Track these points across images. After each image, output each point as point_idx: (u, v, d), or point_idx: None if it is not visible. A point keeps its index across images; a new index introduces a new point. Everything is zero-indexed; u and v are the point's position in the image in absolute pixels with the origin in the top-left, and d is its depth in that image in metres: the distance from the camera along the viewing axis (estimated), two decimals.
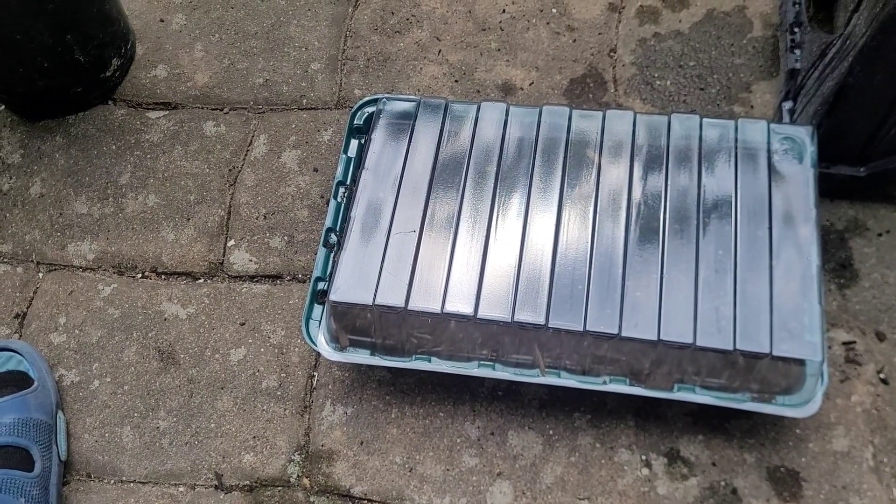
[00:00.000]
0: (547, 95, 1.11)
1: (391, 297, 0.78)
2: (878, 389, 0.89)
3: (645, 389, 0.82)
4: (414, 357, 0.85)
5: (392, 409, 0.93)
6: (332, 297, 0.79)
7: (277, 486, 0.91)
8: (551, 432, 0.91)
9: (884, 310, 0.93)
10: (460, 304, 0.78)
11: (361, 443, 0.92)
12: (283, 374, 0.96)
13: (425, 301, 0.78)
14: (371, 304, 0.79)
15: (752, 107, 1.07)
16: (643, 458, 0.89)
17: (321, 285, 0.90)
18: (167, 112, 1.17)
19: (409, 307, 0.78)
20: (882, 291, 0.94)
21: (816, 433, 0.88)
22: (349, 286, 0.80)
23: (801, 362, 0.77)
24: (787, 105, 0.99)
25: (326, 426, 0.93)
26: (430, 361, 0.84)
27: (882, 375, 0.90)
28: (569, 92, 1.11)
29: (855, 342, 0.92)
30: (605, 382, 0.82)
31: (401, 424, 0.92)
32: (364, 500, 0.89)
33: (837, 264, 0.96)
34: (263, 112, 1.15)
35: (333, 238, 0.92)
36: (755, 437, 0.88)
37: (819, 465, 0.86)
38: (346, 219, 0.92)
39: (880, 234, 0.97)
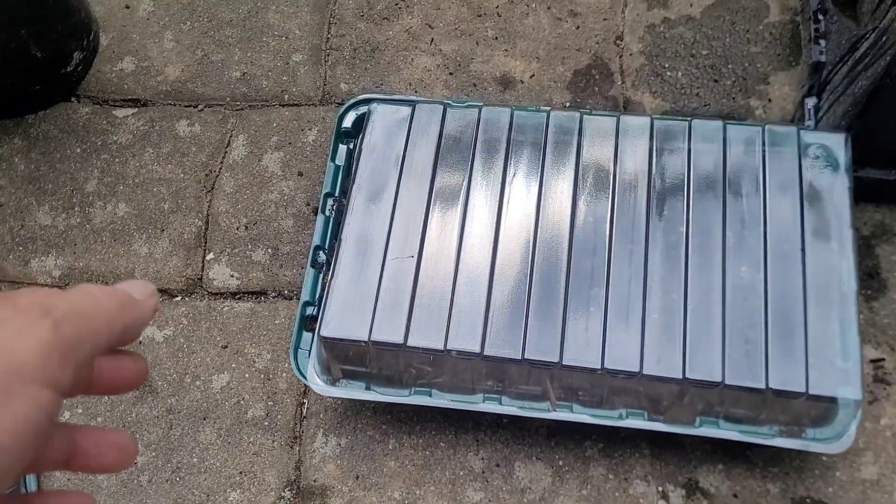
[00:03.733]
0: (549, 90, 1.02)
1: (388, 332, 0.71)
2: None
3: (665, 425, 0.75)
4: (413, 391, 0.78)
5: (389, 440, 0.86)
6: (324, 332, 0.72)
7: None
8: (561, 463, 0.84)
9: None
10: (465, 340, 0.71)
11: (357, 477, 0.85)
12: (271, 403, 0.89)
13: (426, 337, 0.71)
14: (366, 340, 0.71)
15: (769, 100, 1.00)
16: (660, 489, 0.83)
17: (310, 310, 0.82)
18: (136, 110, 1.07)
19: (409, 343, 0.71)
20: None
21: (844, 461, 0.82)
22: (341, 320, 0.72)
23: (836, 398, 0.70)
24: (811, 102, 0.92)
25: (318, 459, 0.86)
26: (430, 395, 0.78)
27: None
28: (572, 85, 1.03)
29: (884, 359, 0.86)
30: (621, 417, 0.76)
31: (399, 456, 0.86)
32: None
33: (864, 273, 0.89)
34: (241, 109, 1.06)
35: (322, 257, 0.84)
36: (779, 466, 0.83)
37: (847, 495, 0.81)
38: (335, 237, 0.85)
39: None
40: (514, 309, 0.71)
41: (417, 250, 0.74)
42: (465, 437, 0.86)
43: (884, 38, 0.78)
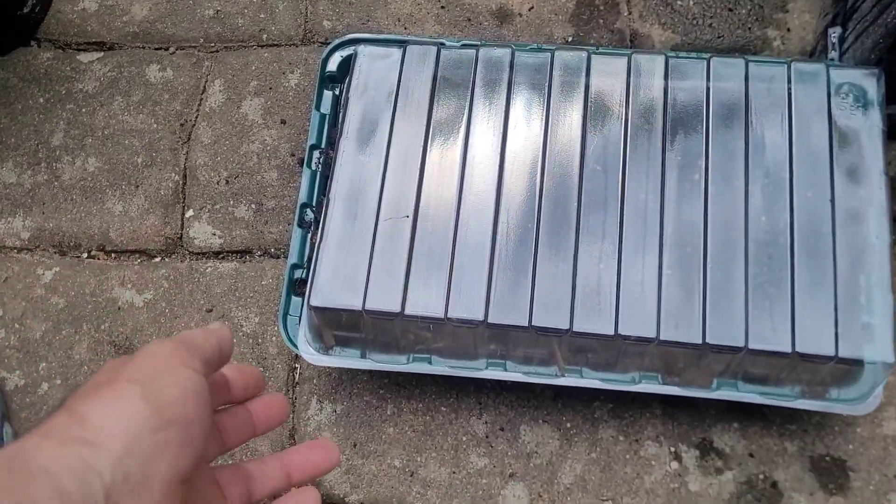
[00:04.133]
0: (550, 23, 0.94)
1: (383, 301, 0.65)
2: None
3: (681, 388, 0.71)
4: (412, 357, 0.73)
5: (387, 405, 0.82)
6: (314, 301, 0.66)
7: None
8: (568, 425, 0.80)
9: None
10: (467, 307, 0.65)
11: (354, 445, 0.81)
12: (261, 369, 0.84)
13: (425, 305, 0.65)
14: (360, 309, 0.66)
15: (788, 30, 0.92)
16: (672, 450, 0.79)
17: (298, 273, 0.76)
18: (101, 54, 0.99)
19: (406, 312, 0.65)
20: None
21: (865, 417, 0.78)
22: (332, 288, 0.66)
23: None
24: (835, 32, 0.84)
25: (313, 427, 0.82)
26: (430, 362, 0.73)
27: None
28: (575, 17, 0.95)
29: None
30: (634, 381, 0.71)
31: (398, 422, 0.81)
32: None
33: (890, 217, 0.84)
34: (217, 51, 0.97)
35: (310, 215, 0.78)
36: (797, 424, 0.79)
37: (868, 452, 0.77)
38: (323, 193, 0.78)
39: None
40: (520, 270, 0.66)
41: (413, 208, 0.68)
42: (468, 400, 0.81)
43: None
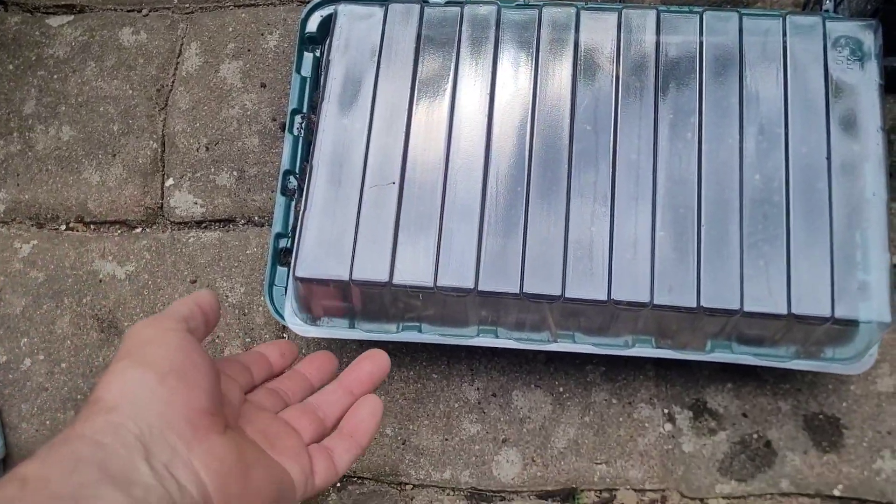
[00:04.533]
0: None
1: (371, 270, 0.64)
2: None
3: (675, 352, 0.70)
4: (401, 326, 0.71)
5: None
6: (299, 272, 0.64)
7: None
8: (561, 389, 0.80)
9: None
10: (457, 275, 0.64)
11: None
12: (248, 339, 0.83)
13: (413, 274, 0.64)
14: (347, 279, 0.64)
15: None
16: (665, 412, 0.79)
17: (283, 243, 0.74)
18: (72, 17, 0.95)
19: (395, 281, 0.64)
20: None
21: (859, 374, 0.78)
22: (317, 258, 0.65)
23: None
24: None
25: None
26: (420, 331, 0.71)
27: None
28: None
29: None
30: (627, 345, 0.70)
31: (389, 390, 0.80)
32: (354, 478, 0.79)
33: (887, 172, 0.82)
34: (192, 12, 0.94)
35: (293, 183, 0.76)
36: (790, 383, 0.78)
37: (862, 409, 0.77)
38: (306, 160, 0.76)
39: None
40: (509, 234, 0.64)
41: (399, 173, 0.66)
42: (459, 366, 0.81)
43: None
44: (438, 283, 0.63)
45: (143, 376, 0.39)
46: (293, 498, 0.47)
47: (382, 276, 0.64)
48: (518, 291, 0.63)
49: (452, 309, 0.70)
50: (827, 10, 0.81)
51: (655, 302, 0.62)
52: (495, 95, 0.69)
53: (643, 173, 0.66)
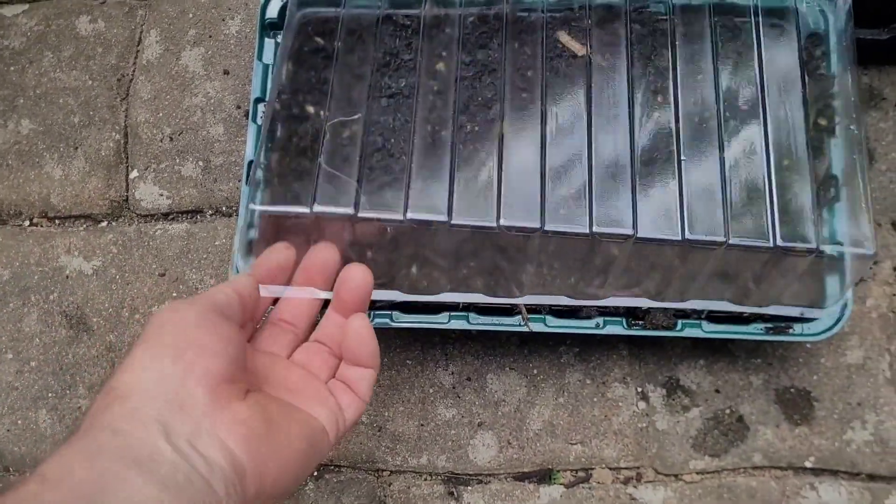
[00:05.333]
0: None
1: (335, 204, 0.63)
2: (895, 289, 0.80)
3: (645, 331, 0.70)
4: (373, 314, 0.71)
5: None
6: (254, 205, 0.64)
7: None
8: (535, 371, 0.80)
9: None
10: (429, 209, 0.63)
11: None
12: None
13: (380, 206, 0.63)
14: (309, 212, 0.63)
15: None
16: (639, 391, 0.79)
17: (252, 234, 0.73)
18: (27, 6, 0.92)
19: (360, 214, 0.63)
20: None
21: (828, 346, 0.79)
22: (276, 193, 0.64)
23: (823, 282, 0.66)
24: None
25: None
26: (391, 319, 0.71)
27: None
28: None
29: None
30: (598, 326, 0.70)
31: None
32: (331, 466, 0.79)
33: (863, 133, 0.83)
34: None
35: (259, 173, 0.74)
36: (761, 358, 0.79)
37: (832, 381, 0.78)
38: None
39: None
40: (483, 166, 0.64)
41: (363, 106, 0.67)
42: (433, 352, 0.80)
43: None
44: (408, 215, 0.63)
45: (156, 358, 0.39)
46: (328, 441, 0.48)
47: (348, 210, 0.63)
48: (495, 225, 0.63)
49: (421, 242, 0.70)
50: None
51: (639, 234, 0.62)
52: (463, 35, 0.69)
53: (621, 125, 0.66)
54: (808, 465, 0.77)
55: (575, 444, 0.78)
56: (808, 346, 0.79)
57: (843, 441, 0.77)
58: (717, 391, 0.79)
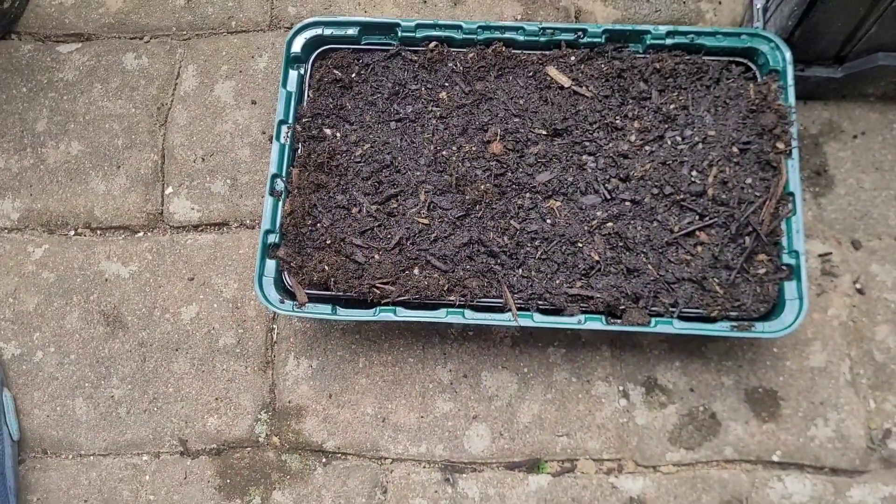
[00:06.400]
0: (500, 3, 1.01)
1: None
2: (855, 300, 0.87)
3: (622, 326, 0.78)
4: (378, 310, 0.80)
5: (359, 359, 0.89)
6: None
7: (246, 447, 0.87)
8: (526, 370, 0.88)
9: (859, 217, 0.90)
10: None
11: (330, 396, 0.88)
12: (241, 330, 0.91)
13: None
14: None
15: (719, 2, 1.00)
16: (620, 389, 0.87)
17: (271, 238, 0.83)
18: (80, 45, 1.04)
19: None
20: (857, 198, 0.90)
21: (794, 350, 0.86)
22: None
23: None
24: (759, 3, 0.92)
25: (292, 381, 0.89)
26: (395, 313, 0.79)
27: (858, 286, 0.88)
28: None
29: (831, 253, 0.89)
30: (580, 322, 0.79)
31: (369, 374, 0.88)
32: (338, 454, 0.87)
33: (812, 171, 0.92)
34: (189, 38, 1.04)
35: (280, 185, 0.84)
36: (733, 360, 0.87)
37: (797, 382, 0.85)
38: (292, 164, 0.85)
39: (855, 137, 0.92)
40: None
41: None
42: (433, 351, 0.89)
43: None
44: None
45: None
46: None
47: None
48: None
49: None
50: (757, 27, 0.90)
51: None
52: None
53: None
54: (775, 458, 0.83)
55: (561, 436, 0.85)
56: (775, 350, 0.86)
57: (808, 437, 0.84)
58: (692, 390, 0.86)
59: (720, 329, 0.78)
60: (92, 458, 0.88)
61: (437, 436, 0.86)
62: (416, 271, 0.81)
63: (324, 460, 0.86)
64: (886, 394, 0.84)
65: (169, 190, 0.97)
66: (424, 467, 0.86)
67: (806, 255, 0.89)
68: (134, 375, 0.90)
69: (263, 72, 1.00)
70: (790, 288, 0.78)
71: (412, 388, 0.88)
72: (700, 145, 0.83)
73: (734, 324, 0.78)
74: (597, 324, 0.79)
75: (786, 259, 0.79)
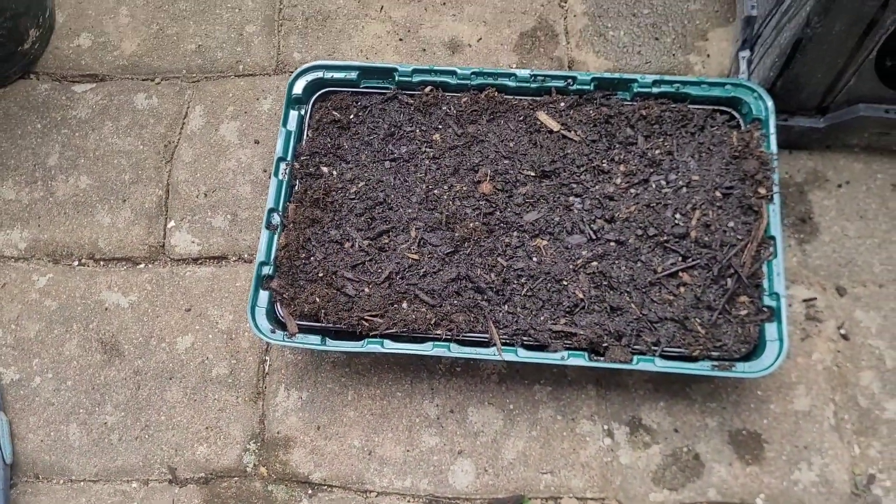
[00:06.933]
0: (496, 52, 1.05)
1: None
2: (839, 346, 0.88)
3: (605, 363, 0.79)
4: (366, 342, 0.81)
5: (348, 391, 0.90)
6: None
7: (234, 477, 0.88)
8: (511, 407, 0.89)
9: (844, 264, 0.91)
10: None
11: (318, 427, 0.89)
12: (234, 361, 0.93)
13: None
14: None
15: (708, 55, 1.03)
16: (605, 427, 0.87)
17: (266, 270, 0.85)
18: (94, 84, 1.09)
19: None
20: (842, 245, 0.92)
21: (778, 394, 0.87)
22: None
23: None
24: (745, 55, 0.95)
25: (281, 412, 0.90)
26: (382, 345, 0.81)
27: (842, 331, 0.89)
28: (519, 47, 1.06)
29: (815, 298, 0.90)
30: (563, 358, 0.80)
31: (358, 406, 0.90)
32: (324, 486, 0.87)
33: (797, 219, 0.94)
34: (198, 81, 1.08)
35: (276, 219, 0.87)
36: (717, 401, 0.87)
37: (781, 426, 0.86)
38: (289, 199, 0.88)
39: (840, 186, 0.95)
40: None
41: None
42: (420, 385, 0.90)
43: None
44: None
45: None
46: None
47: None
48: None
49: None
50: (743, 78, 0.94)
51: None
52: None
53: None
54: (758, 501, 0.83)
55: (545, 473, 0.86)
56: (759, 392, 0.87)
57: (791, 481, 0.84)
58: (676, 430, 0.87)
59: (701, 368, 0.79)
60: (82, 483, 0.89)
61: (423, 470, 0.87)
62: (404, 305, 0.83)
63: (309, 492, 0.87)
64: (871, 439, 0.84)
65: (171, 224, 1.00)
66: (409, 501, 0.86)
67: (790, 299, 0.90)
68: (128, 403, 0.92)
69: (267, 113, 1.04)
70: (771, 329, 0.80)
71: (399, 422, 0.89)
72: (684, 189, 0.85)
73: (715, 363, 0.79)
74: (580, 360, 0.80)
75: (767, 301, 0.81)
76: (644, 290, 0.82)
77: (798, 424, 0.86)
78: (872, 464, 0.83)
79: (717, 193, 0.85)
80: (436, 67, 0.91)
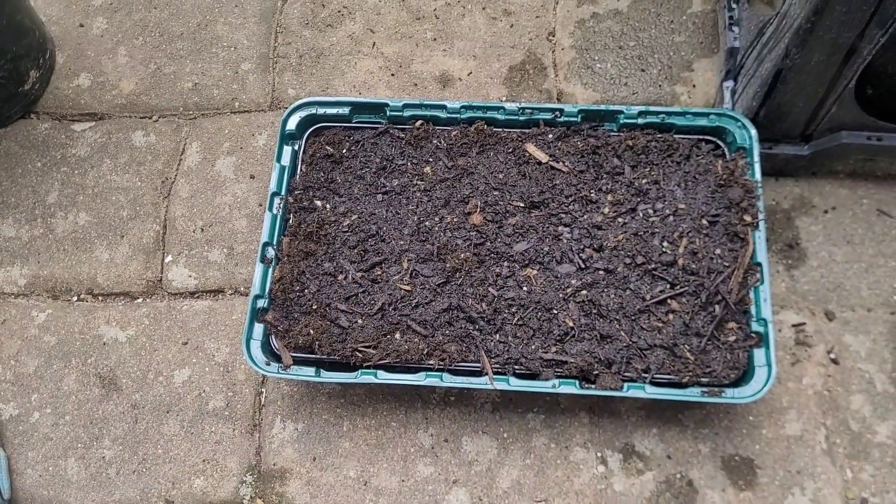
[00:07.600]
0: (486, 86, 1.08)
1: None
2: (829, 370, 0.89)
3: (596, 390, 0.80)
4: (360, 373, 0.82)
5: (343, 423, 0.91)
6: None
7: None
8: (505, 435, 0.89)
9: (832, 288, 0.92)
10: None
11: (314, 459, 0.90)
12: (230, 393, 0.94)
13: None
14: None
15: (693, 86, 1.05)
16: (598, 455, 0.88)
17: (261, 303, 0.87)
18: (93, 123, 1.12)
19: None
20: (830, 270, 0.93)
21: (769, 419, 0.88)
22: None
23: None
24: (729, 85, 0.97)
25: (277, 444, 0.91)
26: (376, 376, 0.82)
27: (832, 355, 0.89)
28: (508, 80, 1.08)
29: (804, 323, 0.91)
30: (554, 386, 0.81)
31: (353, 437, 0.90)
32: None
33: (785, 245, 0.95)
34: (194, 118, 1.10)
35: (271, 253, 0.89)
36: (709, 427, 0.88)
37: (773, 450, 0.86)
38: (283, 233, 0.90)
39: (826, 211, 0.96)
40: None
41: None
42: (415, 415, 0.91)
43: (783, 23, 0.84)
44: None
45: None
46: None
47: None
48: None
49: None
50: (727, 107, 0.96)
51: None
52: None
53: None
54: None
55: (540, 502, 0.86)
56: (751, 418, 0.88)
57: None
58: (669, 457, 0.87)
59: (691, 394, 0.80)
60: None
61: (418, 500, 0.87)
62: (397, 336, 0.84)
63: None
64: (863, 463, 0.85)
65: (168, 258, 1.01)
66: None
67: (780, 325, 0.91)
68: (125, 437, 0.93)
69: (263, 148, 1.06)
70: (759, 355, 0.81)
71: (394, 452, 0.89)
72: (671, 217, 0.87)
73: (705, 389, 0.80)
74: (571, 388, 0.81)
75: (755, 327, 0.82)
76: (633, 317, 0.83)
77: (790, 449, 0.86)
78: (865, 487, 0.84)
79: (704, 221, 0.86)
80: (426, 102, 0.93)
